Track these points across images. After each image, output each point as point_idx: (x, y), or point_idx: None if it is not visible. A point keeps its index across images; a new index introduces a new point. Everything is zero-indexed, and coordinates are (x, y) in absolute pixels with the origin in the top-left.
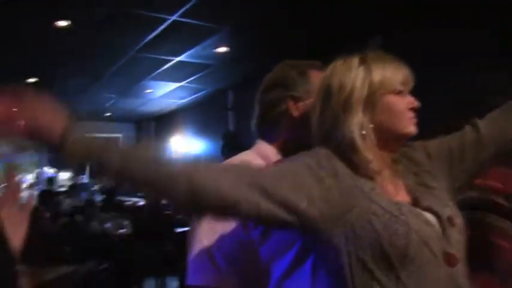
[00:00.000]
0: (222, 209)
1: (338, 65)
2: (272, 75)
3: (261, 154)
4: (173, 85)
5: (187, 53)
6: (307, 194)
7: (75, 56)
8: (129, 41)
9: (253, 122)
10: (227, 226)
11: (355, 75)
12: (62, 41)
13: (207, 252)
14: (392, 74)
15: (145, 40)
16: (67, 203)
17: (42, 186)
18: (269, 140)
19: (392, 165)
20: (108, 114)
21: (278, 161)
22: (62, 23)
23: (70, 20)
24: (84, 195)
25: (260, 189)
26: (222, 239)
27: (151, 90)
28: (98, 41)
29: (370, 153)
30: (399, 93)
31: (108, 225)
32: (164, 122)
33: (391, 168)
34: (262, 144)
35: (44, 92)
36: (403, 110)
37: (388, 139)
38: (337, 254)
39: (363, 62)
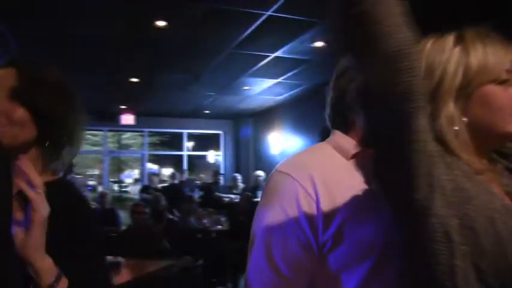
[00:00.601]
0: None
1: (428, 45)
2: (345, 58)
3: (337, 147)
4: (270, 81)
5: (284, 48)
6: (434, 166)
7: (174, 54)
8: (226, 38)
9: (325, 112)
10: (291, 226)
11: (448, 57)
12: (161, 41)
13: (269, 260)
14: (496, 58)
15: (242, 36)
16: (167, 199)
17: (145, 182)
18: (345, 131)
19: (490, 165)
20: (207, 111)
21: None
22: (160, 23)
23: (167, 20)
24: (185, 191)
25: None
26: (285, 242)
27: (248, 87)
28: (195, 39)
29: (465, 153)
30: (504, 82)
31: (205, 221)
32: (262, 119)
33: (489, 169)
34: (337, 135)
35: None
36: (506, 105)
37: (485, 138)
38: (447, 255)
39: (459, 41)
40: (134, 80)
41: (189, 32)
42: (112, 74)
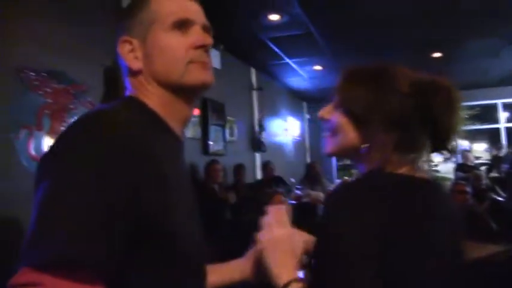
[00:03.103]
0: None
1: None
2: None
3: None
4: None
5: None
6: None
7: (478, 20)
8: None
9: None
10: None
11: None
12: (459, 8)
13: None
14: None
15: None
16: (487, 177)
17: (458, 160)
18: None
19: None
20: None
21: None
22: None
23: None
24: (505, 168)
25: None
26: None
27: None
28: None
29: None
30: None
31: None
32: None
33: None
34: None
35: None
36: None
37: None
38: None
39: None
40: (437, 54)
41: None
42: (413, 51)
